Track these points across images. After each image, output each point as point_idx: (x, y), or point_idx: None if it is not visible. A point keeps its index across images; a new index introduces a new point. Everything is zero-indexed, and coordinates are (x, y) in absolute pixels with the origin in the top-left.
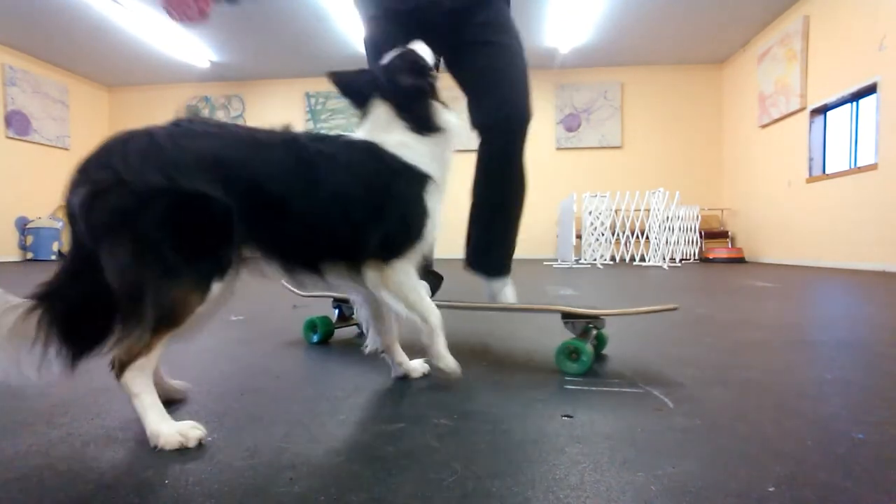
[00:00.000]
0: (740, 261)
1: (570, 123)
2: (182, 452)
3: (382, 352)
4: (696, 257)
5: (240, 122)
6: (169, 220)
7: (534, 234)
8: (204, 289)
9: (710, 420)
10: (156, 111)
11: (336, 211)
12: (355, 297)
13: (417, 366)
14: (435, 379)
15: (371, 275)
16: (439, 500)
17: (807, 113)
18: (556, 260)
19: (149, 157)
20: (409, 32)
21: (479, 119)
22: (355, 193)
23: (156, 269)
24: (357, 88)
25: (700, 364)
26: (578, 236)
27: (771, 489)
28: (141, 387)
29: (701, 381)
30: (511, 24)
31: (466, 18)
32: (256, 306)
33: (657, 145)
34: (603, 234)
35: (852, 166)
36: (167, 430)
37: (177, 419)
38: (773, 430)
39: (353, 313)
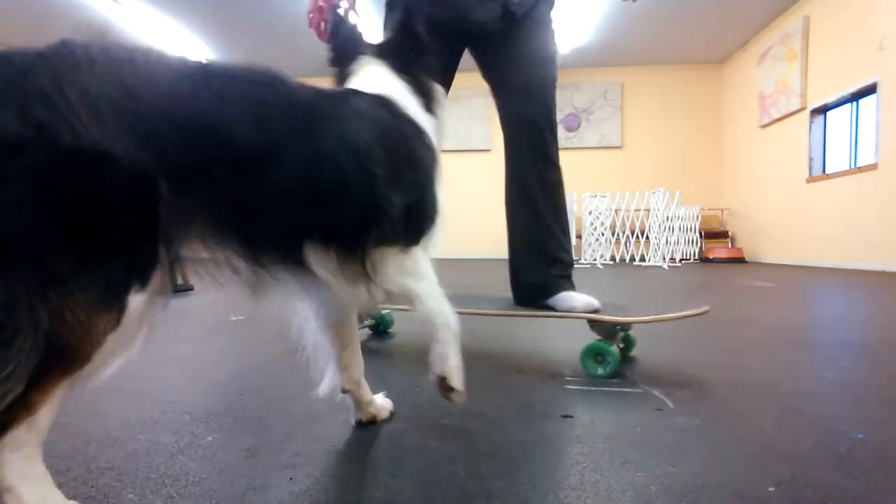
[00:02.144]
0: (740, 261)
1: (570, 123)
2: (183, 452)
3: (345, 391)
4: (696, 257)
5: None
6: (38, 193)
7: None
8: (115, 305)
9: (710, 420)
10: None
11: (340, 168)
12: (306, 323)
13: (386, 404)
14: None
15: (391, 264)
16: (439, 500)
17: (807, 113)
18: None
19: (12, 86)
20: None
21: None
22: (371, 142)
23: (28, 277)
24: (346, 39)
25: (700, 364)
26: (578, 236)
27: (771, 489)
28: (17, 475)
29: (701, 381)
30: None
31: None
32: (256, 306)
33: (657, 145)
34: (603, 234)
35: (852, 166)
36: None
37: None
38: (773, 430)
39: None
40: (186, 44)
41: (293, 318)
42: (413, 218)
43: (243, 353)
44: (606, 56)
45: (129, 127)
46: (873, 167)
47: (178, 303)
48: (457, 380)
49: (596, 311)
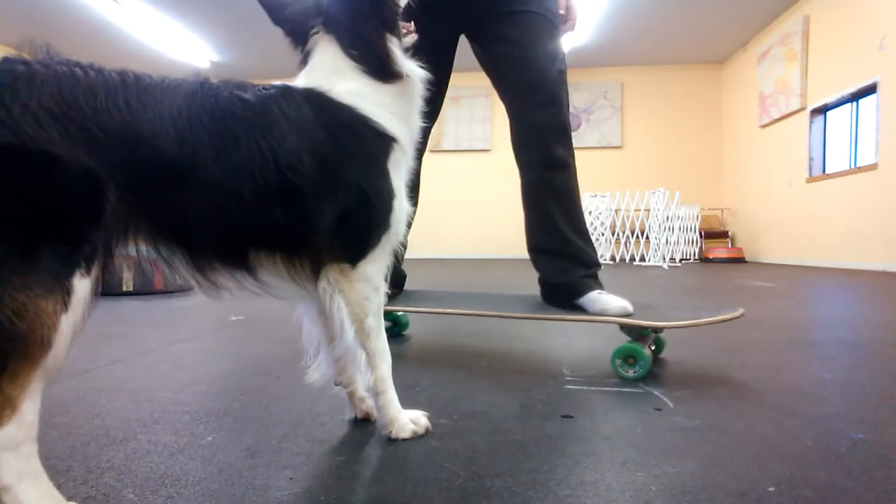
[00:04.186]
0: (740, 261)
1: (571, 123)
2: (183, 452)
3: (337, 384)
4: (696, 257)
5: None
6: None
7: None
8: (59, 288)
9: (710, 420)
10: None
11: (267, 175)
12: (302, 309)
13: None
14: (435, 377)
15: (331, 278)
16: (439, 500)
17: (807, 113)
18: None
19: None
20: None
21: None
22: (293, 151)
23: None
24: (294, 16)
25: (700, 364)
26: None
27: (771, 489)
28: (13, 475)
29: (701, 381)
30: None
31: None
32: (256, 306)
33: (657, 145)
34: (603, 234)
35: (852, 166)
36: None
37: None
38: (773, 430)
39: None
40: (187, 44)
41: (293, 315)
42: (354, 225)
43: (243, 353)
44: (606, 56)
45: (72, 135)
46: (873, 167)
47: (178, 303)
48: (403, 432)
49: (628, 315)
